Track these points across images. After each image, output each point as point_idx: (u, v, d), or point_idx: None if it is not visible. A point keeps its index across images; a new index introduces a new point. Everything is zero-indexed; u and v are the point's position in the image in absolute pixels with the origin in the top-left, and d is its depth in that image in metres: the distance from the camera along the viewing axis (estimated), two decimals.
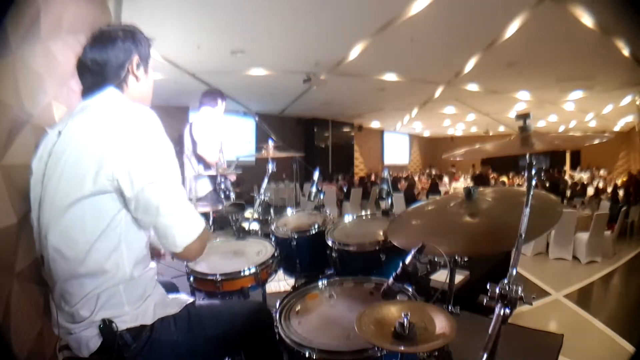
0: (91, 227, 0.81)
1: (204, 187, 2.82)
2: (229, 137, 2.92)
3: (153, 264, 0.96)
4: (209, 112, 2.88)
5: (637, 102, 7.85)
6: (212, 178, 2.70)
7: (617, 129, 12.46)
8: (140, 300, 0.87)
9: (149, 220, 0.85)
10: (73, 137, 0.82)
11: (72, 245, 0.81)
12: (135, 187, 0.80)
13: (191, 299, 1.02)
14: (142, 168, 0.81)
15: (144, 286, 0.89)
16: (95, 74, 0.90)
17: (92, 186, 0.79)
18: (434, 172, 13.70)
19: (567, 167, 14.56)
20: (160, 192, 0.83)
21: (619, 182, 9.60)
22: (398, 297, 0.93)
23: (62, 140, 0.83)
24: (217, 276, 1.36)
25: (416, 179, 11.12)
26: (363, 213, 1.80)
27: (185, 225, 0.87)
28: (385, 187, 1.71)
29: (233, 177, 2.79)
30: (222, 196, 1.88)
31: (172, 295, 1.03)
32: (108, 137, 0.80)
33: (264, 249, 1.58)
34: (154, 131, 0.85)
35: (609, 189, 8.41)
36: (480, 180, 7.59)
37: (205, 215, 2.32)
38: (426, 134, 17.64)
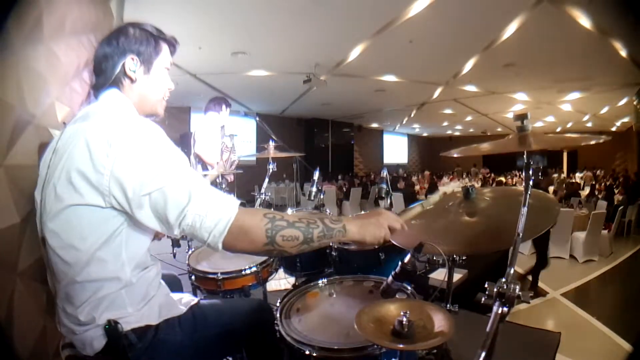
0: (91, 237, 0.79)
1: None
2: (237, 137, 3.14)
3: (157, 264, 0.95)
4: (214, 117, 3.09)
5: (634, 103, 7.88)
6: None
7: (614, 129, 12.51)
8: (143, 301, 0.87)
9: (167, 230, 0.78)
10: (69, 145, 0.80)
11: (71, 252, 0.79)
12: (133, 205, 0.76)
13: (196, 299, 1.02)
14: (134, 183, 0.75)
15: (146, 287, 0.88)
16: (96, 74, 0.91)
17: (86, 197, 0.76)
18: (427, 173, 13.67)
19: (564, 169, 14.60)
20: (160, 202, 0.75)
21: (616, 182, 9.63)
22: (397, 296, 0.94)
23: (61, 145, 0.82)
24: (219, 274, 1.37)
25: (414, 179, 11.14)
26: (363, 212, 1.81)
27: (206, 220, 0.75)
28: (384, 186, 1.72)
29: (231, 177, 2.93)
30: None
31: (177, 295, 1.02)
32: (99, 155, 0.75)
33: None
34: (149, 142, 0.78)
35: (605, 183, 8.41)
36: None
37: None
38: (425, 134, 17.68)
